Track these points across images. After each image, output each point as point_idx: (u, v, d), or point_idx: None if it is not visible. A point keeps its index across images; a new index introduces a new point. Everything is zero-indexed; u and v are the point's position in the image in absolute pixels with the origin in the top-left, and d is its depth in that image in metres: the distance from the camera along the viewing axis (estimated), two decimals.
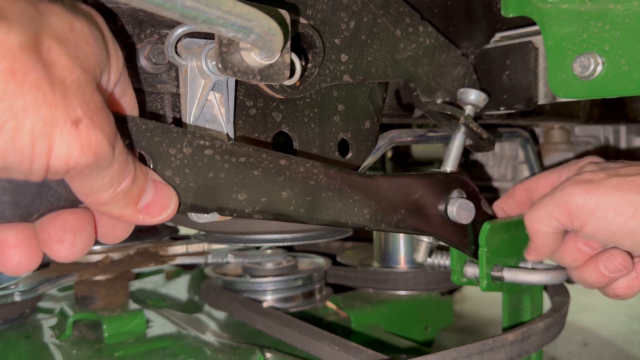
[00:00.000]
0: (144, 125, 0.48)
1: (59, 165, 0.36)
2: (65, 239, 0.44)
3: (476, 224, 0.79)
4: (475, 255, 0.80)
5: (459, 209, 0.75)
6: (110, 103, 0.47)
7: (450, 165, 0.80)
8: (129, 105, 0.49)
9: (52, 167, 0.36)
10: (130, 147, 0.47)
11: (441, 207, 0.76)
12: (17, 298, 1.01)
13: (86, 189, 0.42)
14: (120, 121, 0.46)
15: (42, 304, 1.17)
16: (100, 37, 0.41)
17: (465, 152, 0.86)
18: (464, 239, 0.79)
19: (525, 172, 1.33)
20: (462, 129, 0.79)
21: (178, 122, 0.62)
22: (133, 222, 0.47)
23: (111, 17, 0.56)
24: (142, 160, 0.49)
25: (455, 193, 0.77)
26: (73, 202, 0.45)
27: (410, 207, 0.72)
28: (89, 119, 0.37)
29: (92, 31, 0.40)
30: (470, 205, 0.76)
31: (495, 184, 1.42)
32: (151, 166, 0.49)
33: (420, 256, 0.83)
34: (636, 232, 0.68)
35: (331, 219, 0.64)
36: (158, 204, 0.48)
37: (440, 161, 0.83)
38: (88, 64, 0.39)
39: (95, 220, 0.48)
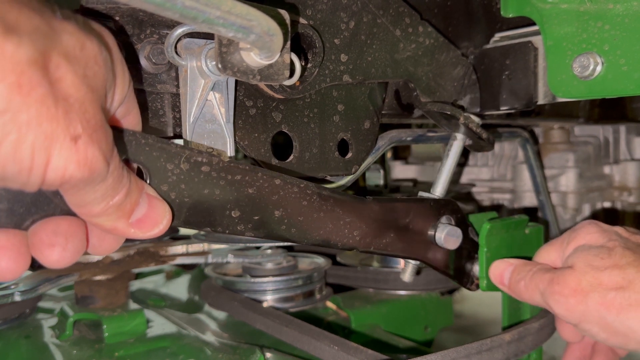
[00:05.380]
0: (143, 140, 0.48)
1: (54, 178, 0.37)
2: (56, 243, 0.44)
3: (462, 250, 0.80)
4: (464, 284, 0.81)
5: (447, 236, 0.76)
6: (112, 122, 0.47)
7: (441, 187, 0.80)
8: (132, 123, 0.50)
9: (47, 179, 0.37)
10: (128, 161, 0.48)
11: (430, 232, 0.76)
12: (17, 298, 1.01)
13: (79, 201, 0.42)
14: (120, 135, 0.46)
15: (42, 304, 1.17)
16: (109, 58, 0.42)
17: (465, 153, 0.86)
18: (449, 264, 0.79)
19: (525, 172, 1.33)
20: (460, 136, 0.79)
21: (178, 122, 0.62)
22: (124, 236, 0.47)
23: (111, 17, 0.56)
24: (140, 174, 0.49)
25: (444, 219, 0.77)
26: (67, 213, 0.45)
27: (399, 232, 0.72)
28: (88, 136, 0.37)
29: (101, 51, 0.40)
30: (458, 232, 0.77)
31: (495, 184, 1.42)
32: (148, 180, 0.49)
33: (407, 277, 0.83)
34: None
35: (321, 239, 0.64)
36: (150, 219, 0.48)
37: (437, 160, 0.83)
38: (95, 83, 0.39)
39: (87, 232, 0.48)
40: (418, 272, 0.87)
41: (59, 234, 0.44)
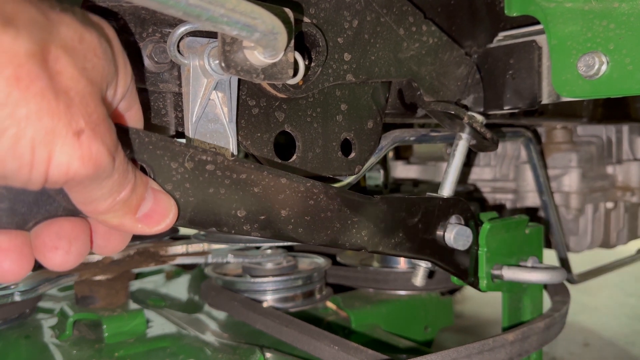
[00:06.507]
0: (146, 138, 0.48)
1: (57, 175, 0.36)
2: (59, 246, 0.43)
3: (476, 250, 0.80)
4: (474, 285, 0.81)
5: (456, 235, 0.75)
6: (115, 116, 0.46)
7: (449, 186, 0.80)
8: (134, 118, 0.49)
9: (50, 176, 0.36)
10: (132, 157, 0.47)
11: (439, 232, 0.76)
12: (17, 298, 1.00)
13: (85, 198, 0.41)
14: (123, 133, 0.46)
15: (42, 304, 1.16)
16: (109, 50, 0.41)
17: (469, 153, 0.86)
18: (461, 266, 0.79)
19: (528, 172, 1.33)
20: (465, 135, 0.79)
21: (180, 121, 0.61)
22: (131, 232, 0.47)
23: (113, 16, 0.55)
24: (144, 172, 0.48)
25: (453, 219, 0.77)
26: (71, 212, 0.44)
27: (408, 231, 0.72)
28: (90, 130, 0.37)
29: (101, 43, 0.40)
30: (467, 232, 0.76)
31: (498, 184, 1.42)
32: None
33: (418, 281, 0.82)
34: None
35: (329, 239, 0.63)
36: (157, 213, 0.47)
37: (440, 160, 0.82)
38: (95, 76, 0.39)
39: (92, 231, 0.47)
40: (430, 275, 0.87)
41: (63, 236, 0.44)
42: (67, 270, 1.03)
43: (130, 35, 0.57)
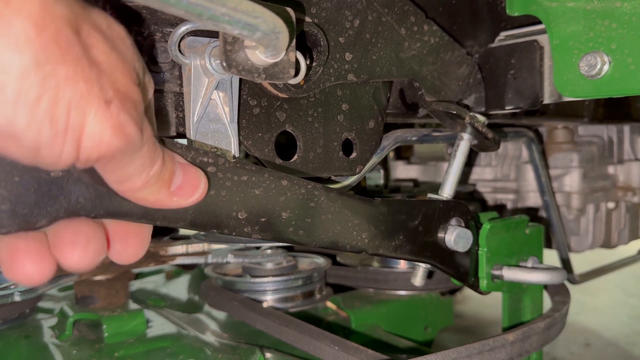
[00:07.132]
0: None
1: (90, 148, 0.36)
2: (77, 242, 0.44)
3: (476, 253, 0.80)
4: (474, 287, 0.80)
5: (457, 238, 0.75)
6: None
7: (449, 187, 0.80)
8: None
9: (83, 149, 0.36)
10: None
11: (440, 234, 0.76)
12: (17, 298, 1.00)
13: (120, 175, 0.42)
14: None
15: (42, 304, 1.16)
16: (136, 45, 0.42)
17: (470, 153, 0.86)
18: (461, 268, 0.79)
19: (529, 172, 1.33)
20: (466, 136, 0.79)
21: (181, 121, 0.61)
22: (168, 206, 0.47)
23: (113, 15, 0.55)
24: None
25: (454, 221, 0.77)
26: (72, 213, 0.44)
27: (409, 234, 0.72)
28: (118, 100, 0.37)
29: (128, 37, 0.41)
30: (467, 234, 0.76)
31: (499, 184, 1.42)
32: None
33: (418, 281, 0.83)
34: None
35: (329, 241, 0.64)
36: (189, 184, 0.48)
37: (441, 160, 0.81)
38: (126, 56, 0.40)
39: (109, 235, 0.48)
40: (430, 275, 0.87)
41: (80, 234, 0.44)
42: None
43: (131, 34, 0.57)
